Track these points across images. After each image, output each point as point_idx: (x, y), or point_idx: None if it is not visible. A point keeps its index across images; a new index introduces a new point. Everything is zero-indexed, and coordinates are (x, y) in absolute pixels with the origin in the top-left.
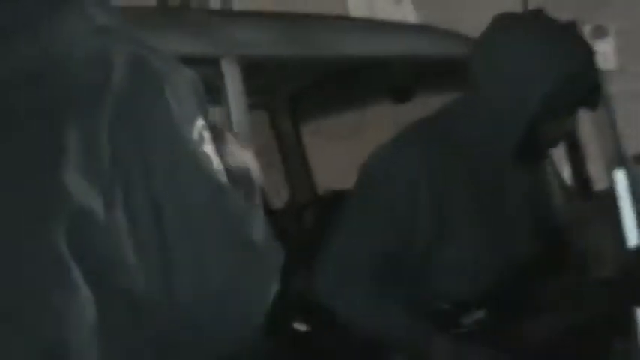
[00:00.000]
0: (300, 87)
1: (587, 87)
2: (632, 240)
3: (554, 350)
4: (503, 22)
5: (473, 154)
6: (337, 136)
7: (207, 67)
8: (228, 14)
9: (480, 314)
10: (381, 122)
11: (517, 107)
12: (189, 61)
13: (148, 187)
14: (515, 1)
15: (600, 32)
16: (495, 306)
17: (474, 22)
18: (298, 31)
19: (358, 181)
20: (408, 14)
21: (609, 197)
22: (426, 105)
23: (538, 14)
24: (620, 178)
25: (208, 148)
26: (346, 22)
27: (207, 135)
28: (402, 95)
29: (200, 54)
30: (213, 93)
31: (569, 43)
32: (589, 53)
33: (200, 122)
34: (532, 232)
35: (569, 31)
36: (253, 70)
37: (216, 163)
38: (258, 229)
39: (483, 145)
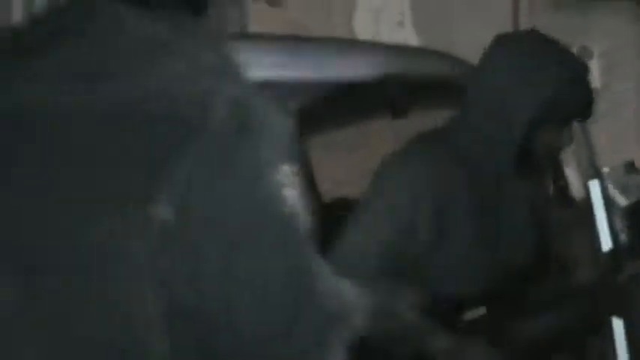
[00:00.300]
0: (305, 104)
1: (581, 99)
2: (605, 245)
3: (543, 350)
4: (501, 40)
5: (474, 165)
6: (341, 149)
7: None
8: (237, 37)
9: (479, 312)
10: (382, 135)
11: (513, 118)
12: None
13: (222, 223)
14: (506, 26)
15: (586, 54)
16: (491, 306)
17: (468, 45)
18: (303, 54)
19: (368, 188)
20: (410, 37)
21: (586, 206)
22: (422, 119)
23: (533, 32)
24: (595, 188)
25: (290, 193)
26: (348, 44)
27: (292, 180)
28: (399, 111)
29: None
30: None
31: (563, 56)
32: (582, 67)
33: (287, 167)
34: (529, 238)
35: (562, 47)
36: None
37: (295, 208)
38: (323, 281)
39: (483, 156)
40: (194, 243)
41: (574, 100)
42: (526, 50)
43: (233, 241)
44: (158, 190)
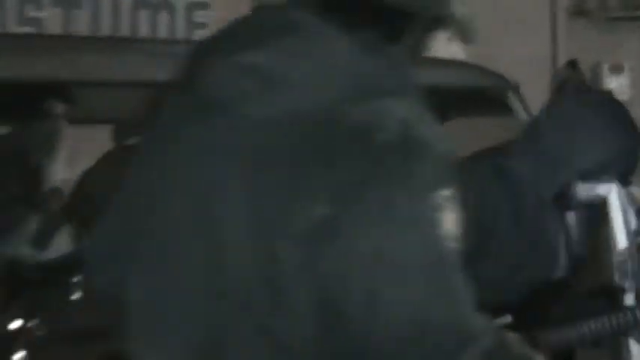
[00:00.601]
0: None
1: (629, 164)
2: (621, 244)
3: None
4: (568, 91)
5: (518, 187)
6: None
7: None
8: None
9: (507, 319)
10: None
11: (565, 168)
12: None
13: (376, 233)
14: (544, 42)
15: (617, 69)
16: (517, 314)
17: (506, 59)
18: None
19: None
20: (457, 52)
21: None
22: (454, 127)
23: (603, 92)
24: (614, 200)
25: (447, 217)
26: None
27: (449, 204)
28: (439, 118)
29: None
30: None
31: (628, 123)
32: (635, 133)
33: (445, 192)
34: (564, 256)
35: (627, 112)
36: None
37: (449, 231)
38: (461, 301)
39: (529, 184)
40: (346, 241)
41: (627, 165)
42: (595, 108)
43: (384, 251)
44: (324, 189)
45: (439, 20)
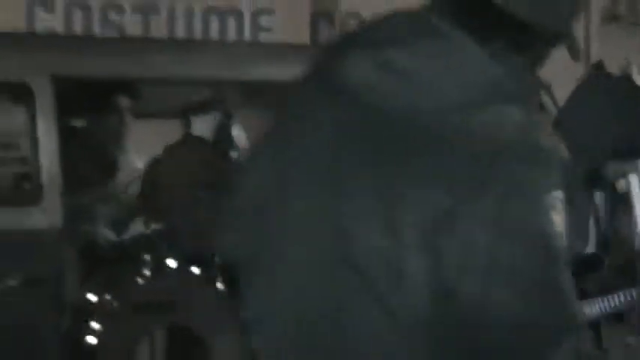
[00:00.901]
0: None
1: None
2: None
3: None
4: (591, 81)
5: None
6: None
7: None
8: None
9: None
10: None
11: (593, 148)
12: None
13: (495, 225)
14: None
15: (630, 67)
16: None
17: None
18: None
19: None
20: None
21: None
22: None
23: (624, 78)
24: (635, 180)
25: (557, 217)
26: None
27: (560, 206)
28: None
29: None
30: None
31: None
32: None
33: (558, 194)
34: (593, 232)
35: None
36: None
37: (558, 230)
38: (566, 294)
39: None
40: (466, 229)
41: None
42: (620, 93)
43: (501, 243)
44: (446, 183)
45: (560, 37)
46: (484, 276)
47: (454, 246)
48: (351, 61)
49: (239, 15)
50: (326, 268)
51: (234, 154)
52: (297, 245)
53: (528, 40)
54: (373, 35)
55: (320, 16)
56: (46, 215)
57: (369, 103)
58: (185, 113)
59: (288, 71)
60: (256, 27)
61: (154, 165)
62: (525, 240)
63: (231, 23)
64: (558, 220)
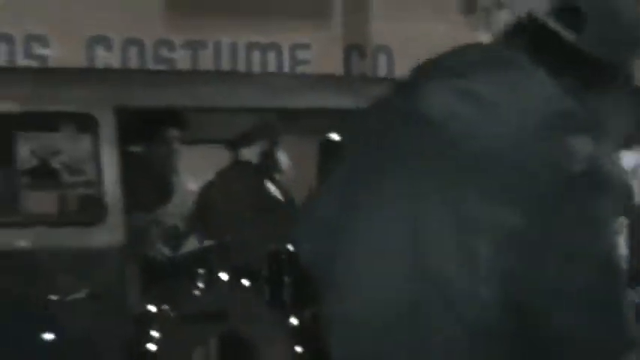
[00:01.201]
0: None
1: None
2: None
3: None
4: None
5: None
6: None
7: None
8: None
9: None
10: None
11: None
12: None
13: (565, 244)
14: None
15: None
16: None
17: None
18: None
19: None
20: None
21: None
22: None
23: None
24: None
25: (621, 241)
26: None
27: (623, 230)
28: None
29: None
30: None
31: None
32: None
33: (623, 220)
34: None
35: None
36: None
37: (621, 252)
38: (627, 311)
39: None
40: (537, 251)
41: None
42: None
43: (570, 267)
44: (521, 205)
45: (628, 76)
46: (553, 296)
47: (528, 262)
48: (433, 91)
49: (278, 49)
50: (401, 277)
51: (278, 177)
52: (373, 256)
53: (600, 77)
54: (450, 66)
55: (352, 48)
56: (109, 234)
57: (454, 132)
58: (233, 140)
59: (323, 100)
60: (294, 60)
61: (207, 188)
62: (593, 264)
63: (272, 57)
64: (622, 243)
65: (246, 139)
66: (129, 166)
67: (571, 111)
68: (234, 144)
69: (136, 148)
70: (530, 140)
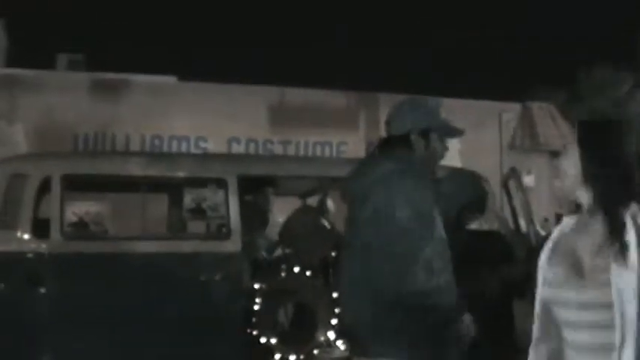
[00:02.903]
0: None
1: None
2: None
3: None
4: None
5: None
6: None
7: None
8: None
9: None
10: None
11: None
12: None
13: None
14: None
15: None
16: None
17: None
18: None
19: None
20: (455, 161)
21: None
22: None
23: None
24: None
25: None
26: None
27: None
28: None
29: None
30: None
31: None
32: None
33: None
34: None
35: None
36: None
37: None
38: None
39: None
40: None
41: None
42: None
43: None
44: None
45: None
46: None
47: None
48: (352, 184)
49: (330, 144)
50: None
51: (327, 215)
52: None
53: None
54: (362, 161)
55: (372, 143)
56: (233, 245)
57: (356, 212)
58: (302, 193)
59: None
60: (339, 150)
61: (288, 219)
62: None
63: (327, 149)
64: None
65: (310, 193)
66: (244, 207)
67: (396, 167)
68: (303, 195)
69: (248, 197)
70: (394, 213)
